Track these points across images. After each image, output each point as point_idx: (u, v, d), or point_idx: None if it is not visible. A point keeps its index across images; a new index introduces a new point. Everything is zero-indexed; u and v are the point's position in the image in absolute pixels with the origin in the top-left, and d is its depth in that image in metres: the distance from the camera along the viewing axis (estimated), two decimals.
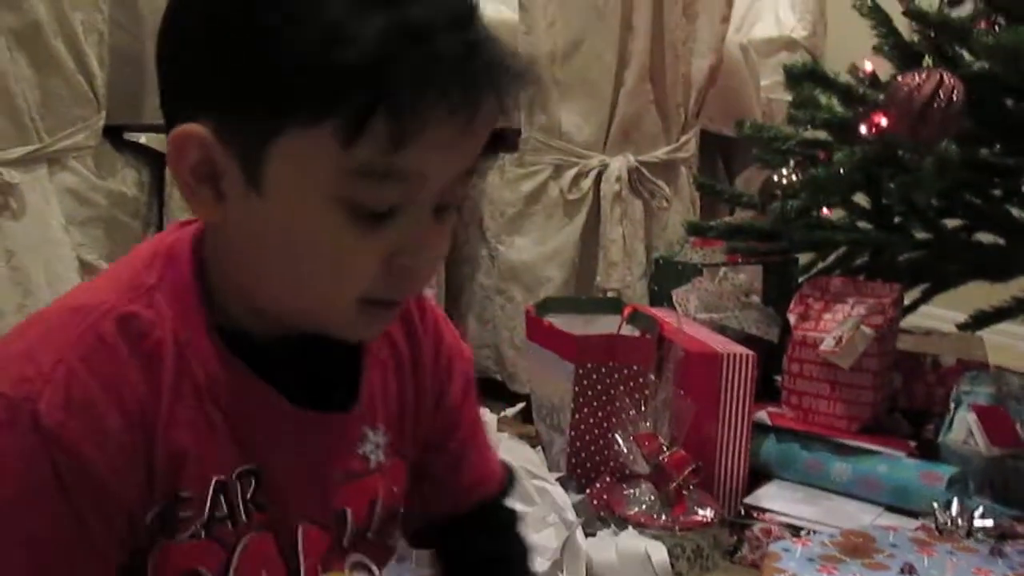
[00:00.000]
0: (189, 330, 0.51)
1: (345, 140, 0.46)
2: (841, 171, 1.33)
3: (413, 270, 0.52)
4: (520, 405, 1.50)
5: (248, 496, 0.53)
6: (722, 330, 1.54)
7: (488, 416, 1.33)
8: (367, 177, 0.48)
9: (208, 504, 0.51)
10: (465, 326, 1.88)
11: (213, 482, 0.52)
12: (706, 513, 1.26)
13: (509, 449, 1.32)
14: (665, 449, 1.27)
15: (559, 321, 1.47)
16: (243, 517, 0.53)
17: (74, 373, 0.47)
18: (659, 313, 1.53)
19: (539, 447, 1.46)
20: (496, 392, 1.76)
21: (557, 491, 1.26)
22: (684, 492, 1.27)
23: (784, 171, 1.44)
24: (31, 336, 0.50)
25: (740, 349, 1.38)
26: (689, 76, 1.81)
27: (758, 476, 1.40)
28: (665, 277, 1.71)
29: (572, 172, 1.76)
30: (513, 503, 0.74)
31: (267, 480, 0.54)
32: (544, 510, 1.24)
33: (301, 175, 0.48)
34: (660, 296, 1.71)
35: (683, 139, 1.84)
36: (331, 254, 0.50)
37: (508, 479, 0.72)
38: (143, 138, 1.56)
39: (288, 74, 0.46)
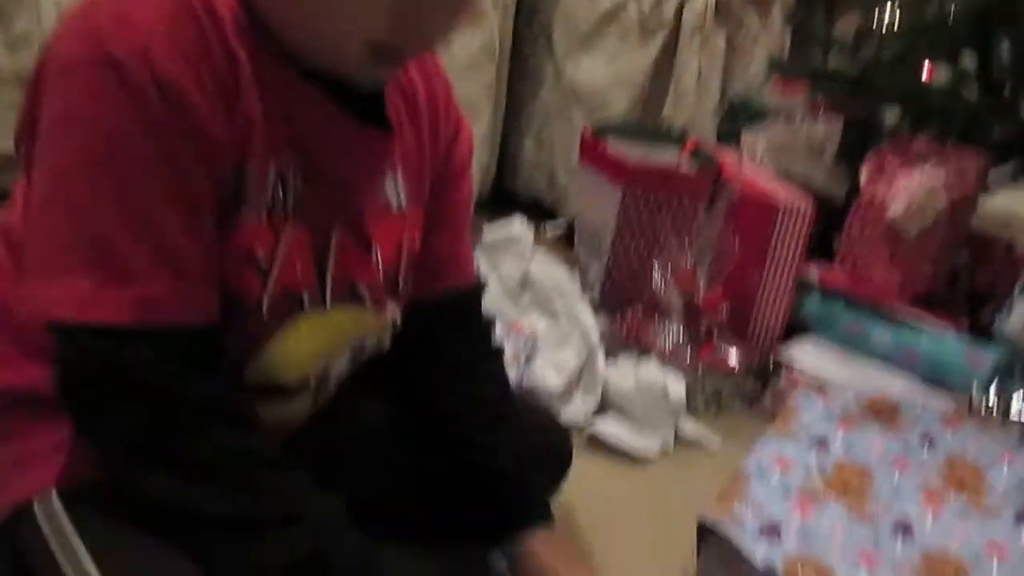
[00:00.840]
0: (245, 32, 0.53)
1: None
2: (951, 19, 1.20)
3: (416, 21, 0.54)
4: (560, 220, 1.45)
5: (298, 195, 0.57)
6: (786, 179, 1.45)
7: (526, 230, 1.29)
8: None
9: (270, 186, 0.55)
10: (522, 145, 1.82)
11: (273, 165, 0.55)
12: (733, 358, 1.23)
13: (543, 264, 1.29)
14: (702, 288, 1.23)
15: (617, 146, 1.40)
16: (289, 210, 0.56)
17: (173, 29, 0.50)
18: (723, 153, 1.45)
19: (576, 270, 1.43)
20: (544, 216, 1.72)
21: (585, 313, 1.24)
22: (714, 334, 1.23)
23: (887, 12, 1.31)
24: (117, 5, 0.51)
25: (800, 199, 1.30)
26: None
27: (795, 332, 1.36)
28: (737, 118, 1.61)
29: None
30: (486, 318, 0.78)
31: (313, 179, 0.57)
32: (568, 329, 1.22)
33: None
34: (729, 137, 1.61)
35: None
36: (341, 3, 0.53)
37: (480, 283, 0.77)
38: None
39: None
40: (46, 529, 0.55)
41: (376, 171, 0.63)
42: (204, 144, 0.51)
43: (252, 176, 0.54)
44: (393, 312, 0.67)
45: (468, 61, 1.60)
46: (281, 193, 0.56)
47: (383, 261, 0.64)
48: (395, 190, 0.64)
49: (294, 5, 0.54)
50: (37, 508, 0.55)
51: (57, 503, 0.55)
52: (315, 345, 0.61)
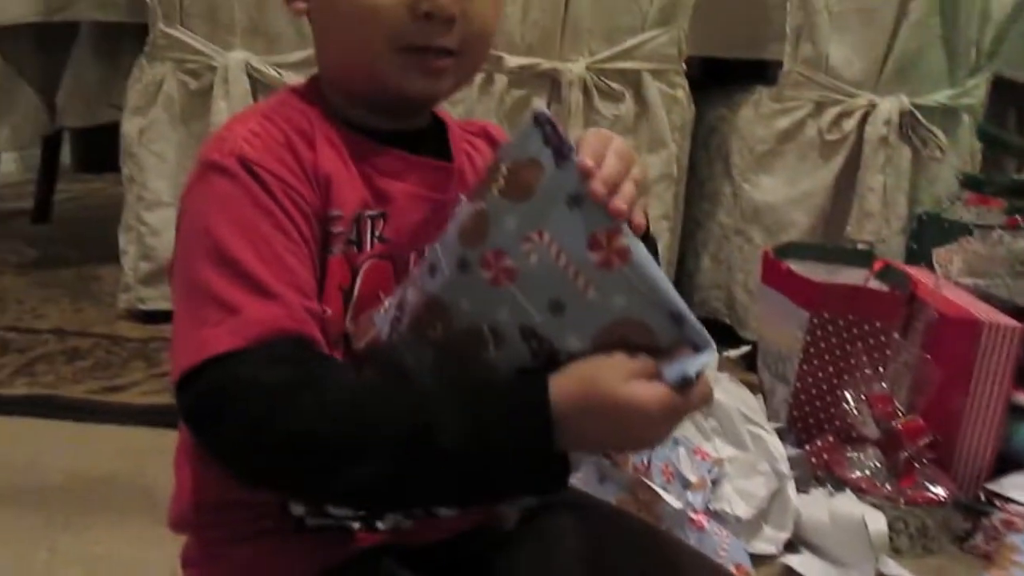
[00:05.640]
0: (318, 115, 0.66)
1: None
2: None
3: (435, 15, 0.63)
4: (744, 348, 1.43)
5: (377, 232, 0.65)
6: (987, 298, 1.37)
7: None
8: None
9: (349, 227, 0.64)
10: (699, 264, 1.82)
11: (355, 212, 0.64)
12: (938, 491, 1.15)
13: (727, 390, 1.27)
14: (900, 415, 1.17)
15: (799, 267, 1.38)
16: (368, 247, 0.65)
17: (256, 134, 0.63)
18: (914, 272, 1.39)
19: (759, 395, 1.40)
20: (723, 336, 1.69)
21: (773, 441, 1.20)
22: (915, 464, 1.16)
23: None
24: (219, 131, 0.66)
25: (1006, 320, 1.22)
26: (988, 11, 1.60)
27: (1007, 464, 1.26)
28: (928, 235, 1.55)
29: (835, 111, 1.62)
30: None
31: (391, 221, 0.66)
32: (756, 458, 1.18)
33: None
34: (919, 256, 1.55)
35: (971, 83, 1.64)
36: (362, 2, 0.63)
37: None
38: None
39: None
40: None
41: (446, 204, 0.69)
42: (294, 196, 0.61)
43: (336, 220, 0.63)
44: None
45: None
46: (356, 233, 0.64)
47: None
48: None
49: (329, 33, 0.67)
50: None
51: None
52: None
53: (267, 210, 0.60)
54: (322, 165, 0.63)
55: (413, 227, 0.67)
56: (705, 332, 0.56)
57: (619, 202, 0.55)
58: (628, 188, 0.56)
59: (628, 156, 0.58)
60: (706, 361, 0.54)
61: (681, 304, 0.55)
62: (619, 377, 0.54)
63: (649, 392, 0.53)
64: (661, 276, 0.55)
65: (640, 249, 0.55)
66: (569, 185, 0.55)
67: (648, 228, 0.60)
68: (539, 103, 0.51)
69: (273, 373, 0.55)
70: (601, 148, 0.57)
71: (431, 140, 0.71)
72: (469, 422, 0.55)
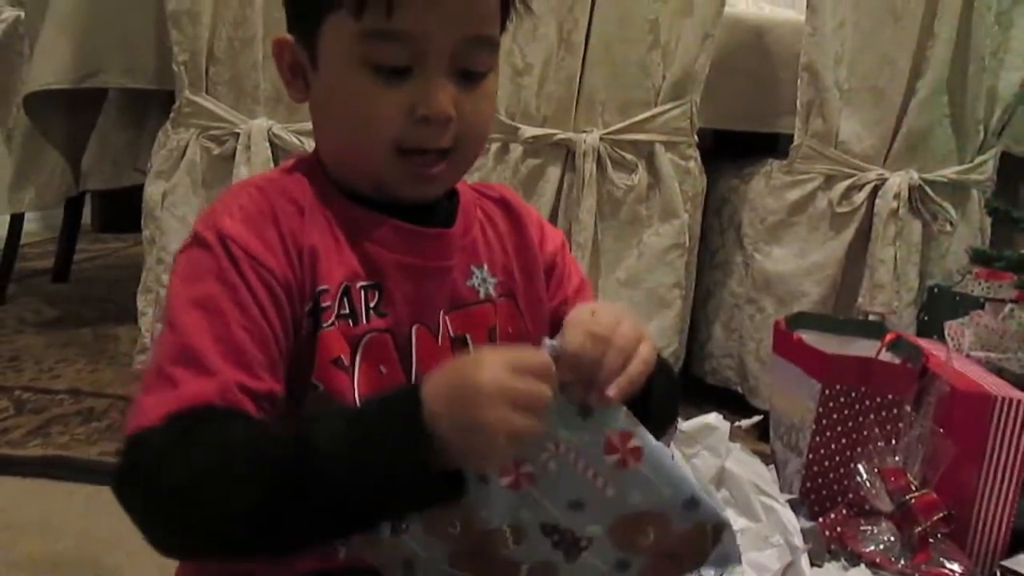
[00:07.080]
0: (316, 189, 0.68)
1: (355, 14, 0.63)
2: None
3: (432, 119, 0.64)
4: (756, 418, 1.43)
5: (372, 305, 0.66)
6: (999, 372, 1.38)
7: (721, 423, 1.28)
8: (377, 39, 0.63)
9: (340, 302, 0.64)
10: (710, 333, 1.83)
11: (341, 285, 0.65)
12: (954, 567, 1.14)
13: (739, 461, 1.27)
14: (914, 489, 1.16)
15: (811, 338, 1.39)
16: (364, 320, 0.65)
17: (242, 207, 0.65)
18: (926, 344, 1.40)
19: (772, 465, 1.39)
20: (734, 404, 1.70)
21: (786, 513, 1.19)
22: (930, 540, 1.15)
23: None
24: (215, 202, 0.67)
25: (1018, 394, 1.22)
26: (995, 90, 1.63)
27: (1022, 540, 1.24)
28: (938, 308, 1.56)
29: (845, 184, 1.65)
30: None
31: (387, 292, 0.66)
32: (769, 529, 1.17)
33: (335, 46, 0.65)
34: (930, 328, 1.56)
35: (979, 159, 1.67)
36: (362, 103, 0.64)
37: None
38: None
39: None
40: None
41: (454, 267, 0.70)
42: (262, 273, 0.62)
43: (325, 295, 0.64)
44: None
45: (659, 255, 1.66)
46: (347, 307, 0.65)
47: (476, 348, 0.69)
48: (479, 281, 0.72)
49: (327, 128, 0.68)
50: None
51: None
52: None
53: (231, 285, 0.61)
54: (308, 239, 0.64)
55: (411, 299, 0.67)
56: (718, 510, 0.59)
57: (612, 391, 0.56)
58: (612, 359, 0.57)
59: (606, 329, 0.58)
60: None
61: (695, 488, 0.58)
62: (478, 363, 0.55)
63: (485, 368, 0.54)
64: (675, 466, 0.58)
65: (652, 445, 0.58)
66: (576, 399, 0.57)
67: (660, 357, 0.62)
68: (553, 339, 0.53)
69: (164, 436, 0.56)
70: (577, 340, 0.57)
71: (439, 206, 0.71)
72: (343, 427, 0.56)
